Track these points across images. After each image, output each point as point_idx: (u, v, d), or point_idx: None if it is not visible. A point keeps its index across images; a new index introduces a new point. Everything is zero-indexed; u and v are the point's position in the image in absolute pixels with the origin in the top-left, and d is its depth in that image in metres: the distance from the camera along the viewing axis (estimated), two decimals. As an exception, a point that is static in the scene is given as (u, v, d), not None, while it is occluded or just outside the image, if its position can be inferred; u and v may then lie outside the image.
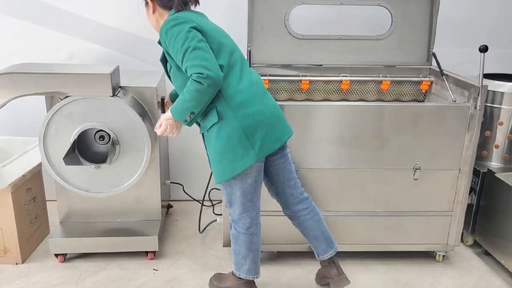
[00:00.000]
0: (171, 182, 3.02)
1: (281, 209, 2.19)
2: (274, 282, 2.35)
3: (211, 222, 2.73)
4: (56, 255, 2.47)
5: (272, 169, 2.04)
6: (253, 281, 2.13)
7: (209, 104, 1.83)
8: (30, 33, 2.85)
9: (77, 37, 2.87)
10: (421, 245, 2.45)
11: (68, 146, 2.27)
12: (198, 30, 1.79)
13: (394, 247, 2.46)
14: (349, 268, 2.44)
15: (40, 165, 2.62)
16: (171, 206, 3.07)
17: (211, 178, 2.79)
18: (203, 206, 2.82)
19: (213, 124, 1.84)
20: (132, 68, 2.88)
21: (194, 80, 1.72)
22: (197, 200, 3.10)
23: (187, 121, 1.84)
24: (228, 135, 1.83)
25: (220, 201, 3.15)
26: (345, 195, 2.35)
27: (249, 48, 2.57)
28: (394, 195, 2.36)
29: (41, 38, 2.86)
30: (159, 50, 2.96)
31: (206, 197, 2.86)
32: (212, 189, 2.99)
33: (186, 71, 1.77)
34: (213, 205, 3.10)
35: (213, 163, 1.92)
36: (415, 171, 2.31)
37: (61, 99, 2.23)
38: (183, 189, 3.12)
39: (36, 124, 2.87)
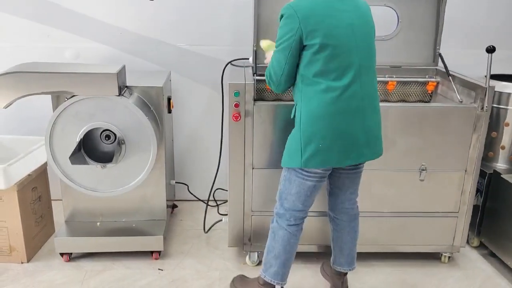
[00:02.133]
0: (176, 182, 3.01)
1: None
2: (295, 282, 2.34)
3: (216, 222, 2.73)
4: (62, 254, 2.47)
5: (337, 173, 2.02)
6: None
7: (295, 98, 1.91)
8: (37, 32, 2.85)
9: (83, 37, 2.87)
10: (427, 246, 2.45)
11: (74, 145, 2.27)
12: (297, 32, 1.76)
13: (400, 248, 2.45)
14: (356, 270, 2.43)
15: (45, 164, 2.62)
16: (176, 206, 3.07)
17: (216, 178, 2.79)
18: (208, 206, 2.82)
19: (293, 117, 1.92)
20: (138, 68, 2.88)
21: (266, 75, 1.91)
22: (202, 200, 3.10)
23: None
24: (294, 133, 1.90)
25: (225, 201, 3.15)
26: (351, 195, 2.34)
27: (255, 49, 2.56)
28: (400, 196, 2.35)
29: (47, 37, 2.86)
30: (165, 49, 2.99)
31: (211, 197, 2.86)
32: (217, 189, 2.99)
33: None
34: (217, 205, 3.10)
35: (285, 146, 1.97)
36: (421, 172, 2.30)
37: (68, 99, 2.23)
38: (188, 189, 3.12)
39: (42, 123, 2.87)
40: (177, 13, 2.88)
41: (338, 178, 2.04)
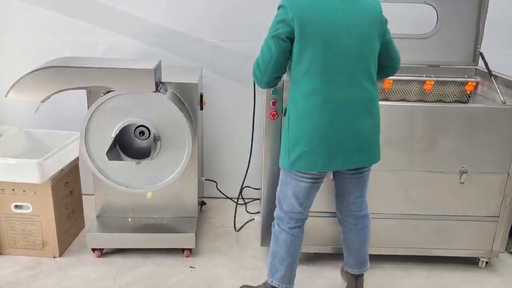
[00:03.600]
0: (205, 179, 3.00)
1: (319, 210, 2.15)
2: (311, 284, 2.31)
3: (249, 221, 2.70)
4: (93, 250, 2.47)
5: (340, 176, 1.99)
6: None
7: (288, 97, 1.88)
8: (70, 26, 2.84)
9: (115, 31, 2.86)
10: (465, 250, 2.39)
11: (108, 141, 2.26)
12: (289, 24, 1.71)
13: (436, 252, 2.40)
14: (390, 272, 2.40)
15: (77, 159, 2.63)
16: (205, 203, 3.05)
17: (246, 176, 2.76)
18: (234, 204, 2.79)
19: (284, 115, 1.93)
20: (169, 64, 2.85)
21: (253, 64, 1.88)
22: (230, 198, 3.08)
23: None
24: (284, 133, 1.88)
25: (253, 199, 3.12)
26: (388, 197, 2.29)
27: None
28: (438, 199, 2.30)
29: (80, 31, 2.85)
30: (198, 45, 2.96)
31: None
32: (245, 187, 2.95)
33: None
34: (245, 203, 3.07)
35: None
36: (461, 174, 2.24)
37: (104, 94, 2.22)
38: (217, 187, 3.10)
39: (73, 118, 2.88)
40: (210, 8, 2.85)
41: (342, 182, 2.00)
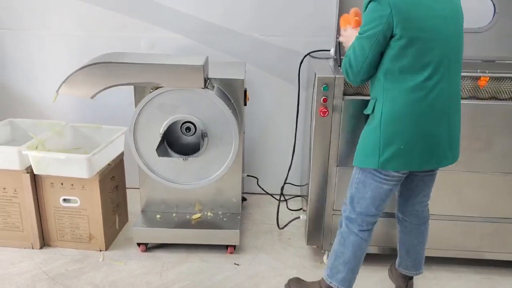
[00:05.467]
0: (247, 175, 2.98)
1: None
2: (358, 285, 2.26)
3: (294, 219, 2.66)
4: (138, 244, 2.49)
5: (412, 176, 1.92)
6: None
7: (373, 93, 1.78)
8: (113, 22, 2.85)
9: (158, 26, 2.85)
10: (520, 254, 2.30)
11: (156, 136, 2.26)
12: (387, 20, 1.62)
13: (489, 255, 2.31)
14: (440, 275, 2.33)
15: (122, 153, 2.64)
16: (245, 199, 3.03)
17: (289, 173, 2.73)
18: (274, 200, 2.75)
19: (369, 114, 1.82)
20: (212, 59, 2.82)
21: (343, 62, 1.78)
22: (271, 194, 3.05)
23: None
24: (371, 131, 1.78)
25: (293, 196, 3.08)
26: (440, 198, 2.21)
27: (338, 40, 2.45)
28: (494, 201, 2.21)
29: (122, 27, 2.86)
30: (241, 40, 2.92)
31: (279, 192, 2.78)
32: (286, 183, 2.92)
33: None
34: (286, 200, 3.03)
35: (358, 144, 1.89)
36: (520, 176, 2.15)
37: (152, 90, 2.21)
38: (257, 183, 3.07)
39: (113, 112, 2.91)
40: (252, 2, 2.80)
41: (412, 181, 1.94)
